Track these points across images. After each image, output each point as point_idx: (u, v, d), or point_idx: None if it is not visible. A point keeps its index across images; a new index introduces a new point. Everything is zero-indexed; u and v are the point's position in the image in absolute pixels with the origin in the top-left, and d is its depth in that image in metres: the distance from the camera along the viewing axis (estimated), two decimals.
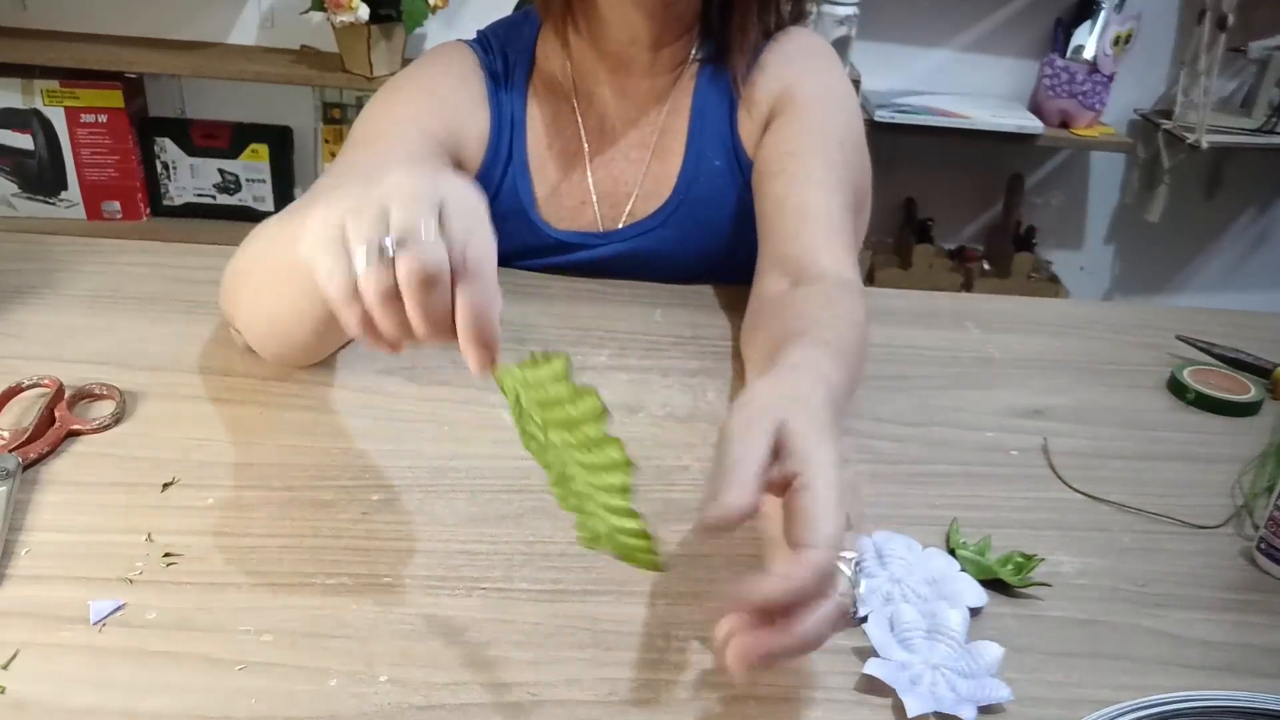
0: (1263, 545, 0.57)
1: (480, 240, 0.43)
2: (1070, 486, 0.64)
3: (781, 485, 0.44)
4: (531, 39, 0.88)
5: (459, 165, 0.84)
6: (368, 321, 0.43)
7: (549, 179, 0.87)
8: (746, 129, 0.85)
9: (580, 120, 0.87)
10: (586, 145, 0.87)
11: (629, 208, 0.87)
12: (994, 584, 0.54)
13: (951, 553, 0.55)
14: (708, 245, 0.88)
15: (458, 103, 0.83)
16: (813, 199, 0.78)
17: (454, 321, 0.43)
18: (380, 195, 0.42)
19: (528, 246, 0.87)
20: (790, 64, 0.86)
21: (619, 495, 0.44)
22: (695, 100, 0.86)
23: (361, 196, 0.43)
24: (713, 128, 0.86)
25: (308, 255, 0.43)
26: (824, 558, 0.41)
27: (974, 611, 0.51)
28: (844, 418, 0.58)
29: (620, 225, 0.88)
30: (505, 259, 0.84)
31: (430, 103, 0.82)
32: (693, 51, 0.86)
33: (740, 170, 0.86)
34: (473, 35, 0.90)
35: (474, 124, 0.84)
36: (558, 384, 0.45)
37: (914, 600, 0.51)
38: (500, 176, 0.86)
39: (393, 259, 0.41)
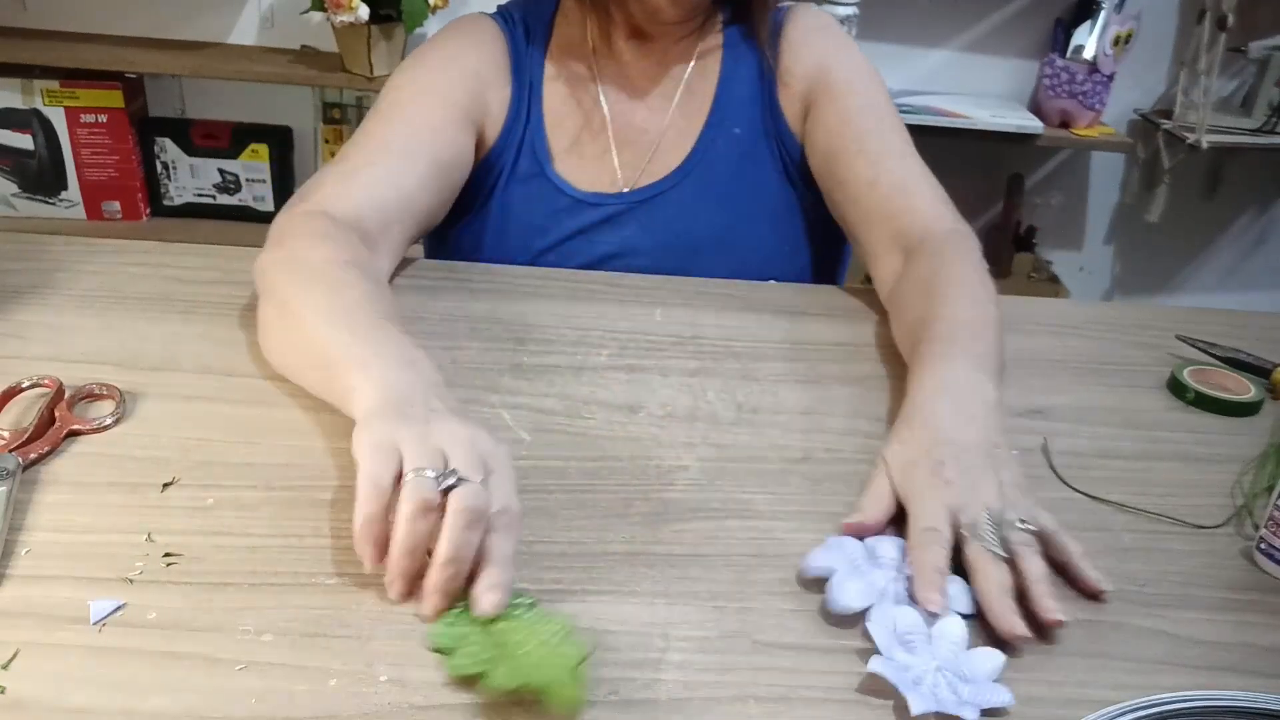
0: (1263, 545, 0.57)
1: (514, 508, 0.49)
2: (1070, 486, 0.64)
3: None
4: (550, 11, 0.91)
5: (482, 131, 0.87)
6: (379, 534, 0.48)
7: (567, 132, 0.89)
8: (787, 100, 0.89)
9: (598, 77, 0.90)
10: (604, 97, 0.90)
11: (650, 157, 0.90)
12: None
13: None
14: (719, 211, 0.90)
15: (480, 70, 0.87)
16: (900, 170, 0.84)
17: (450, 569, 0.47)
18: (440, 439, 0.49)
19: (547, 205, 0.89)
20: (816, 42, 0.90)
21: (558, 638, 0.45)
22: (725, 65, 0.90)
23: (422, 435, 0.49)
24: (741, 95, 0.90)
25: (358, 453, 0.49)
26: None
27: (968, 618, 0.51)
28: (1001, 371, 0.66)
29: (639, 183, 0.90)
30: (527, 219, 0.88)
31: (454, 71, 0.85)
32: (717, 18, 0.91)
33: (766, 140, 0.90)
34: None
35: (496, 90, 0.87)
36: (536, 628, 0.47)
37: (907, 602, 0.51)
38: (520, 137, 0.88)
39: (442, 489, 0.47)
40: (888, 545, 0.55)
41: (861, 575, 0.52)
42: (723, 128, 0.89)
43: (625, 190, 0.90)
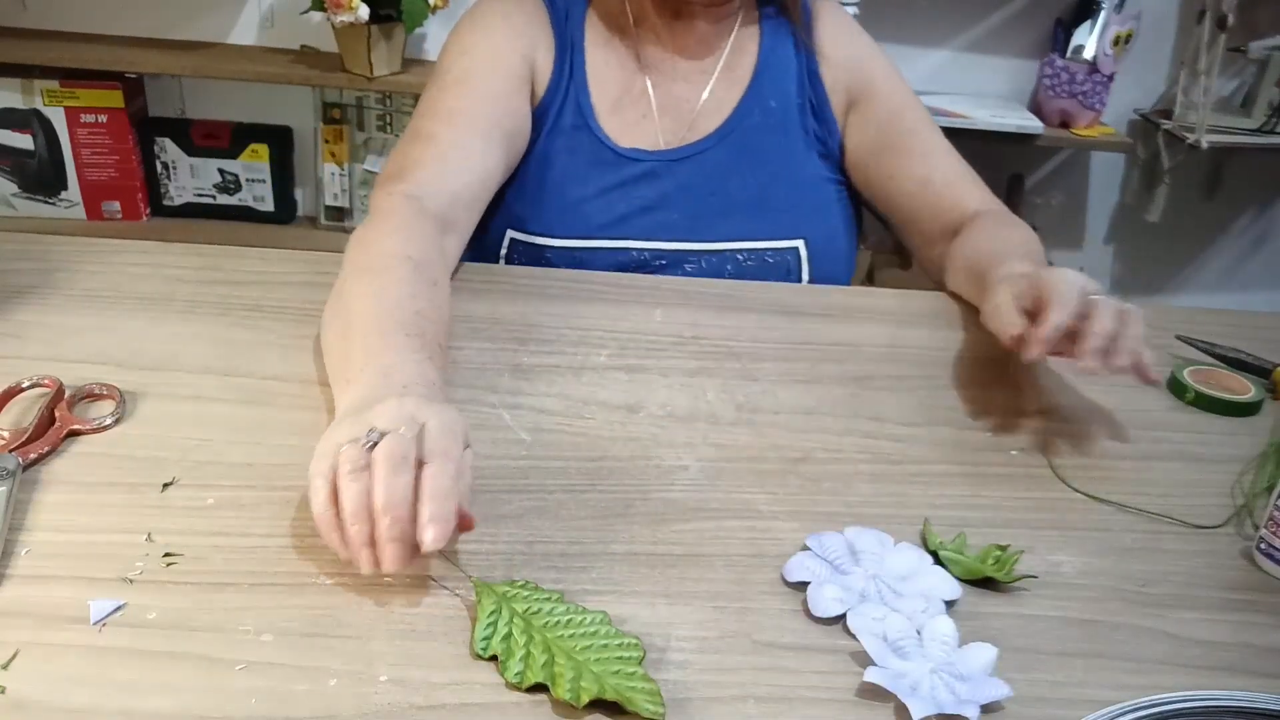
0: (1262, 545, 0.57)
1: (451, 449, 0.50)
2: (1070, 486, 0.64)
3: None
4: None
5: (534, 90, 0.91)
6: (334, 520, 0.49)
7: (610, 93, 0.93)
8: (830, 80, 0.95)
9: (637, 42, 0.94)
10: (645, 68, 0.94)
11: (690, 123, 0.94)
12: (982, 582, 0.54)
13: (934, 555, 0.55)
14: (752, 174, 0.94)
15: (528, 31, 0.91)
16: (947, 167, 0.94)
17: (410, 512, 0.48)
18: (371, 416, 0.51)
19: (589, 155, 0.92)
20: (850, 39, 0.97)
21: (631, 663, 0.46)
22: (764, 43, 0.95)
23: (354, 421, 0.51)
24: (780, 71, 0.95)
25: (312, 470, 0.50)
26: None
27: (949, 604, 0.52)
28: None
29: (677, 144, 0.94)
30: (569, 168, 0.92)
31: (509, 36, 0.90)
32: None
33: (800, 115, 0.95)
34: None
35: (543, 49, 0.92)
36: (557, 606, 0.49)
37: (889, 597, 0.51)
38: (565, 93, 0.92)
39: (367, 447, 0.49)
40: (868, 538, 0.55)
41: (840, 577, 0.53)
42: (759, 100, 0.94)
43: (665, 148, 0.93)
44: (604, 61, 0.93)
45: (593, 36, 0.93)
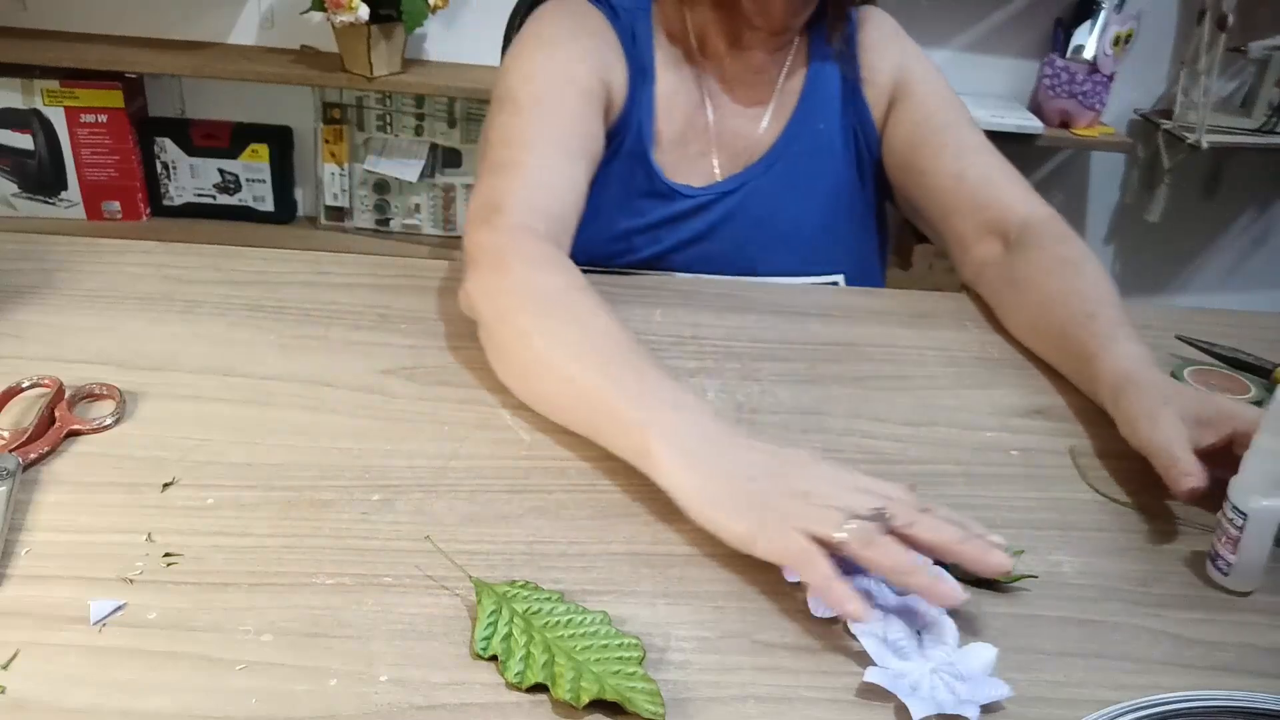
0: (1212, 553, 0.56)
1: (907, 498, 0.53)
2: (1093, 488, 0.64)
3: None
4: (646, 5, 0.91)
5: (609, 112, 0.87)
6: (842, 591, 0.48)
7: (675, 125, 0.91)
8: (873, 95, 0.93)
9: (702, 80, 0.91)
10: (709, 101, 0.92)
11: (744, 159, 0.93)
12: (982, 582, 0.54)
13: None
14: (796, 208, 0.93)
15: (602, 52, 0.86)
16: (984, 163, 0.89)
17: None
18: (843, 504, 0.51)
19: (642, 187, 0.90)
20: (894, 44, 0.95)
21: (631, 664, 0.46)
22: (811, 65, 0.93)
23: (824, 511, 0.51)
24: (825, 92, 0.93)
25: (779, 552, 0.51)
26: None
27: (967, 582, 0.52)
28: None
29: (729, 174, 0.92)
30: (622, 198, 0.90)
31: (579, 56, 0.84)
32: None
33: (845, 134, 0.93)
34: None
35: (616, 71, 0.87)
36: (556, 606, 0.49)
37: (889, 597, 0.51)
38: (633, 119, 0.89)
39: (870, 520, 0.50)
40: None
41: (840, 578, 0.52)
42: (807, 123, 0.93)
43: (716, 181, 0.92)
44: (673, 90, 0.90)
45: (662, 60, 0.90)
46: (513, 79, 0.83)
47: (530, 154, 0.78)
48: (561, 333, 0.63)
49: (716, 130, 0.92)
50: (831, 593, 0.48)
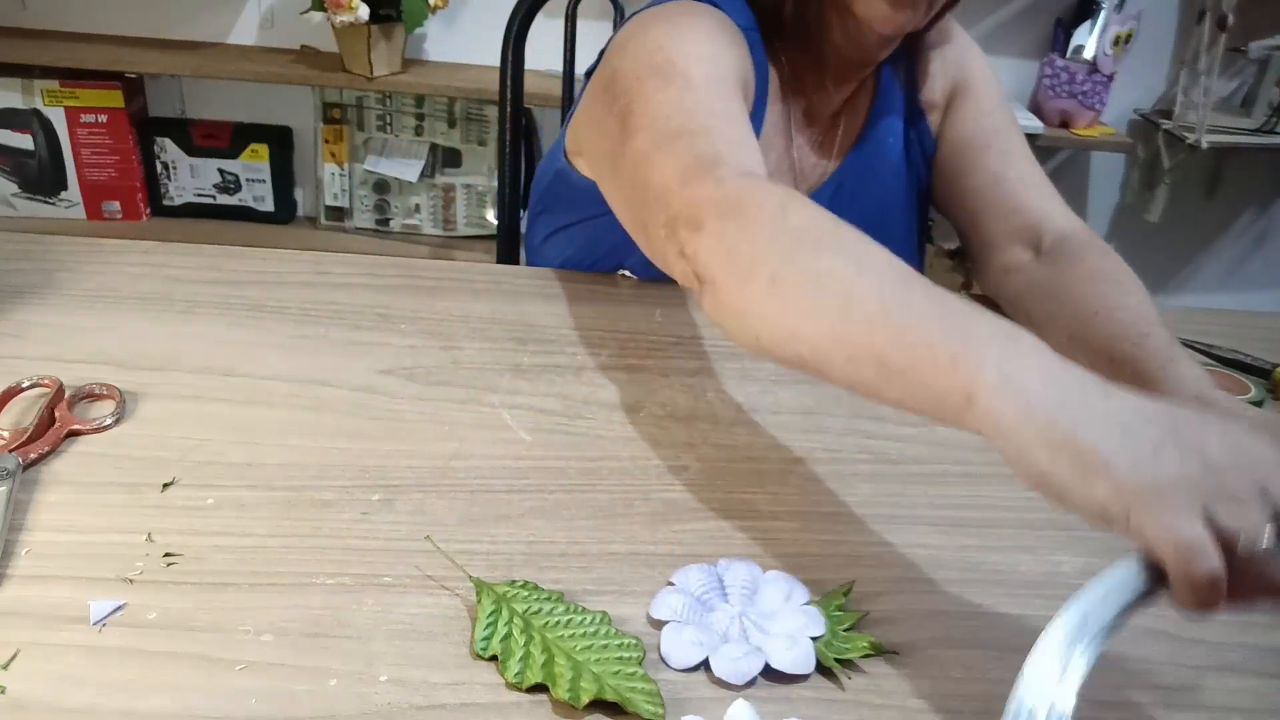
0: None
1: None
2: None
3: None
4: (758, 37, 0.84)
5: None
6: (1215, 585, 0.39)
7: (768, 160, 0.87)
8: (928, 101, 0.92)
9: (792, 119, 0.89)
10: (795, 140, 0.90)
11: (809, 188, 0.92)
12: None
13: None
14: (865, 219, 0.88)
15: (737, 48, 0.78)
16: (1024, 169, 0.88)
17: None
18: (1255, 480, 0.39)
19: None
20: (954, 44, 0.93)
21: (630, 663, 0.46)
22: (881, 82, 0.92)
23: (1236, 483, 0.40)
24: (888, 105, 0.92)
25: (1162, 538, 0.40)
26: None
27: (816, 639, 0.48)
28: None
29: None
30: None
31: (734, 65, 0.75)
32: None
33: (906, 148, 0.92)
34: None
35: (749, 75, 0.80)
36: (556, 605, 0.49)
37: (754, 635, 0.49)
38: None
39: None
40: (739, 569, 0.53)
41: (705, 614, 0.50)
42: (873, 141, 0.91)
43: None
44: (774, 123, 0.88)
45: (771, 90, 0.87)
46: (676, 55, 0.71)
47: (723, 122, 0.67)
48: (845, 268, 0.52)
49: (797, 169, 0.90)
50: (1214, 602, 0.38)
